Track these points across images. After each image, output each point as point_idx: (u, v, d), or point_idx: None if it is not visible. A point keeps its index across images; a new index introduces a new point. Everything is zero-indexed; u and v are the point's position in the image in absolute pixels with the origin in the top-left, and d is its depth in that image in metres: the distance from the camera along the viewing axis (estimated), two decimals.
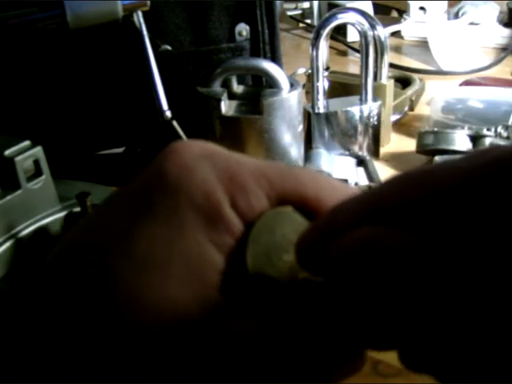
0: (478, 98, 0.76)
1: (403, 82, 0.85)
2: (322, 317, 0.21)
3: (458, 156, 0.19)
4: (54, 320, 0.21)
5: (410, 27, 1.11)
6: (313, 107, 0.66)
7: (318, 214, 0.23)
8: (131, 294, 0.20)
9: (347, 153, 0.68)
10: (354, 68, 0.99)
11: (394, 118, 0.77)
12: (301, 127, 0.62)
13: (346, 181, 0.61)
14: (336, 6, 1.00)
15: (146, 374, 0.20)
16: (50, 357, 0.20)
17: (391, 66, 0.88)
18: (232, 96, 0.61)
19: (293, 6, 1.20)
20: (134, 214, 0.21)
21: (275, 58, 0.68)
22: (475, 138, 0.63)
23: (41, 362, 0.20)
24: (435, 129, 0.65)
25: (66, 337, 0.20)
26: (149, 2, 0.55)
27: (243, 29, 0.66)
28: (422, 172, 0.19)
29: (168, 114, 0.56)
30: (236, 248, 0.21)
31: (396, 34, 1.13)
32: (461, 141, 0.63)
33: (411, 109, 0.82)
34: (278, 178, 0.22)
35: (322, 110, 0.66)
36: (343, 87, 0.75)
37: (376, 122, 0.67)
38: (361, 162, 0.68)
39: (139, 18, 0.56)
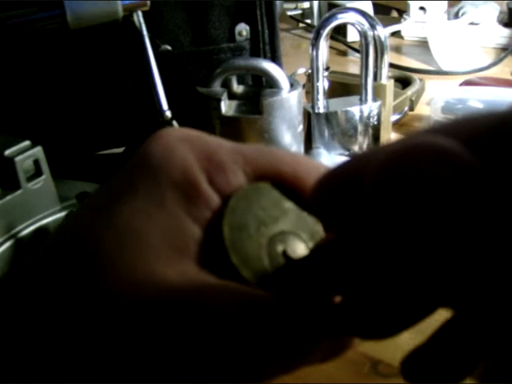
0: (478, 97, 0.76)
1: (403, 82, 0.85)
2: (306, 290, 0.21)
3: None
4: (41, 298, 0.21)
5: (410, 27, 1.11)
6: (313, 107, 0.66)
7: (296, 190, 0.23)
8: (111, 262, 0.21)
9: (347, 153, 0.68)
10: (354, 68, 0.99)
11: (394, 118, 0.77)
12: (301, 127, 0.62)
13: None
14: (336, 5, 1.00)
15: (125, 343, 0.20)
16: (39, 336, 0.21)
17: (391, 65, 0.88)
18: (232, 96, 0.61)
19: (293, 6, 1.20)
20: (117, 193, 0.23)
21: (275, 58, 0.68)
22: None
23: (31, 341, 0.21)
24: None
25: (51, 311, 0.21)
26: (149, 2, 0.55)
27: (243, 29, 0.66)
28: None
29: (168, 113, 0.56)
30: (214, 221, 0.22)
31: (396, 33, 1.13)
32: None
33: (411, 109, 0.82)
34: (255, 155, 0.23)
35: (321, 110, 0.66)
36: (343, 87, 0.75)
37: (376, 122, 0.67)
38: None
39: (139, 17, 0.56)
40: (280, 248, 0.23)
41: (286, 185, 0.24)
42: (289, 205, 0.24)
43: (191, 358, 0.20)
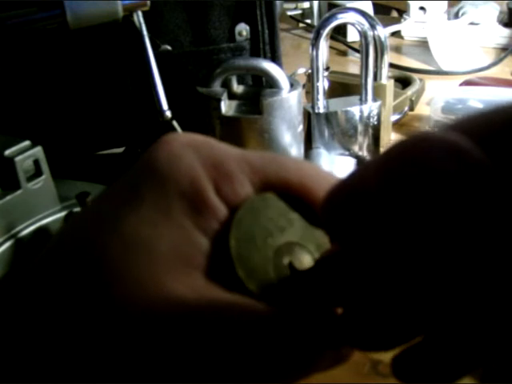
0: (478, 97, 0.76)
1: (403, 82, 0.85)
2: (310, 302, 0.21)
3: None
4: (44, 301, 0.21)
5: (410, 27, 1.11)
6: (313, 107, 0.66)
7: (301, 198, 0.23)
8: (116, 269, 0.20)
9: (347, 153, 0.68)
10: (354, 68, 0.99)
11: (394, 118, 0.77)
12: (301, 127, 0.62)
13: None
14: (336, 5, 1.00)
15: (135, 357, 0.20)
16: (44, 342, 0.21)
17: (391, 65, 0.88)
18: (232, 96, 0.61)
19: (293, 6, 1.20)
20: (124, 200, 0.22)
21: (275, 58, 0.68)
22: None
23: (35, 346, 0.21)
24: (435, 129, 0.65)
25: (54, 315, 0.21)
26: (149, 2, 0.55)
27: (243, 29, 0.66)
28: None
29: (168, 113, 0.56)
30: (221, 232, 0.22)
31: (396, 33, 1.13)
32: None
33: (411, 109, 0.82)
34: (262, 164, 0.23)
35: (321, 110, 0.66)
36: (343, 87, 0.75)
37: (376, 122, 0.67)
38: (361, 161, 0.68)
39: (139, 17, 0.56)
40: (286, 260, 0.23)
41: (292, 193, 0.23)
42: (295, 215, 0.24)
43: (201, 371, 0.20)
